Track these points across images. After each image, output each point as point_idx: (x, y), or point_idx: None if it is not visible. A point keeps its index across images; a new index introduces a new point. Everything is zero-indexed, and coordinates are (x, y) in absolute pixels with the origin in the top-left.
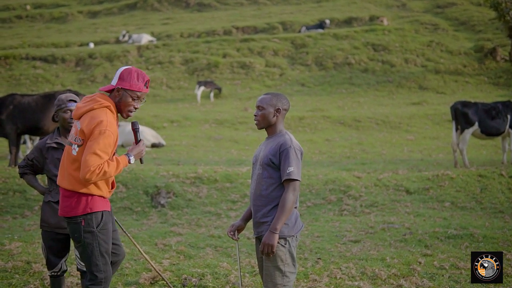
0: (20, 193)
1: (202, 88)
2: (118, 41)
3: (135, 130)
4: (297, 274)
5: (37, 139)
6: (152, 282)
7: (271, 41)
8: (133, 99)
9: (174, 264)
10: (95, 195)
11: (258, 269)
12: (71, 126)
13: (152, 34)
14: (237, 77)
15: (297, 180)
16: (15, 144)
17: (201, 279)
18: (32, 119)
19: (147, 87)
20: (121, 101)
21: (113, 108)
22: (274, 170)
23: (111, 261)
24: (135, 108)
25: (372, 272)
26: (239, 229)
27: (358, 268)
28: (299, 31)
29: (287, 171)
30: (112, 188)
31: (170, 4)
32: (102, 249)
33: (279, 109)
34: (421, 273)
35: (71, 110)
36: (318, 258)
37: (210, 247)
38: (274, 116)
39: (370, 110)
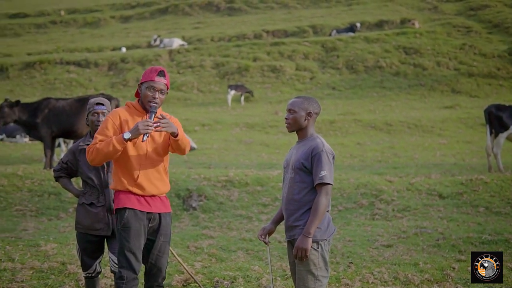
0: (55, 195)
1: (233, 92)
2: (149, 46)
3: (151, 112)
4: (329, 278)
5: (71, 143)
6: (185, 284)
7: (301, 44)
8: (150, 90)
9: (206, 267)
10: (120, 190)
11: (290, 273)
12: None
13: (183, 38)
14: (267, 81)
15: (329, 184)
16: (49, 147)
17: (232, 282)
18: (66, 123)
19: (160, 77)
20: (142, 95)
21: (131, 104)
22: (306, 174)
23: (147, 270)
24: (154, 98)
25: (405, 277)
26: (270, 232)
27: (390, 273)
28: (330, 35)
29: (320, 175)
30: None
31: (201, 8)
32: (125, 248)
33: (310, 112)
34: (455, 279)
35: (98, 113)
36: (350, 263)
37: (241, 250)
38: (305, 119)
39: (401, 113)
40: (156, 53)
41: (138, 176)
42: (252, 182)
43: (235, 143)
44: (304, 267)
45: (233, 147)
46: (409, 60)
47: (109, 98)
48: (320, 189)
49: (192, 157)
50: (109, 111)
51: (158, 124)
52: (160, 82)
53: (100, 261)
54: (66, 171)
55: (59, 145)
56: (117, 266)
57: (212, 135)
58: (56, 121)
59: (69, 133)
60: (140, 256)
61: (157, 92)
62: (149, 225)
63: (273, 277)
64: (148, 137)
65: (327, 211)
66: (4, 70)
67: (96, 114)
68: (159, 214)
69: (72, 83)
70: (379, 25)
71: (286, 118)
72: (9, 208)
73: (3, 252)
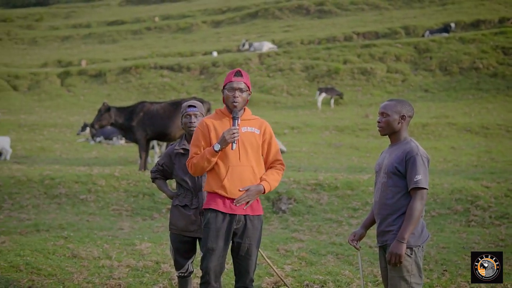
0: (149, 196)
1: (323, 94)
2: (239, 50)
3: (233, 118)
4: (422, 285)
5: (164, 145)
6: (274, 287)
7: (393, 46)
8: (230, 91)
9: (295, 270)
10: (209, 191)
11: (381, 279)
12: (192, 131)
13: (273, 41)
14: (357, 84)
15: (425, 188)
16: (144, 150)
17: (322, 286)
18: (160, 126)
19: (237, 76)
20: (225, 98)
21: (219, 110)
22: (400, 179)
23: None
24: (235, 97)
25: (503, 287)
26: (360, 237)
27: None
28: (423, 36)
29: (415, 179)
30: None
31: (290, 11)
32: (204, 246)
33: (404, 116)
34: None
35: (190, 115)
36: (444, 270)
37: (331, 254)
38: (398, 123)
39: (499, 116)
40: (246, 56)
41: (224, 179)
42: (342, 186)
43: (325, 146)
44: (397, 273)
45: (322, 151)
46: (507, 60)
47: (201, 101)
48: (415, 193)
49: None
50: (201, 113)
51: (235, 136)
52: (238, 81)
53: (193, 261)
54: (162, 173)
55: (153, 147)
56: None
57: (301, 138)
58: (151, 124)
59: (163, 136)
60: (217, 256)
61: (236, 91)
62: (235, 227)
63: (364, 283)
64: (236, 144)
65: (421, 217)
66: (102, 75)
67: (188, 116)
68: (245, 216)
69: (165, 87)
70: (475, 24)
71: (378, 122)
72: (106, 208)
73: (101, 250)
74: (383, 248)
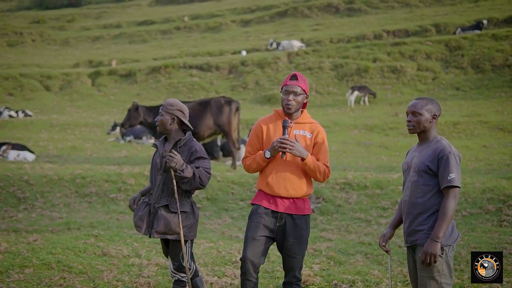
0: None
1: (356, 93)
2: (267, 49)
3: (284, 127)
4: (452, 286)
5: None
6: (303, 286)
7: (423, 44)
8: (284, 94)
9: (324, 270)
10: (258, 188)
11: (409, 279)
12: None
13: (302, 40)
14: (387, 82)
15: (458, 187)
16: None
17: (351, 285)
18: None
19: (293, 80)
20: (281, 100)
21: (277, 111)
22: (431, 177)
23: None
24: (289, 100)
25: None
26: (390, 237)
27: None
28: (454, 33)
29: (448, 178)
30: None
31: (320, 10)
32: (245, 234)
33: (435, 115)
34: None
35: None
36: None
37: (360, 254)
38: (430, 122)
39: None
40: (275, 55)
41: (269, 177)
42: (371, 185)
43: (354, 145)
44: (427, 273)
45: (351, 149)
46: None
47: (230, 100)
48: (448, 192)
49: None
50: (183, 113)
51: (285, 145)
52: (293, 85)
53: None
54: None
55: None
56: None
57: (330, 136)
58: None
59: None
60: (254, 246)
61: (290, 95)
62: (277, 224)
63: (392, 283)
64: (286, 153)
65: None
66: (132, 75)
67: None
68: (288, 215)
69: (194, 86)
70: (509, 21)
71: (409, 121)
72: None
73: (131, 248)
74: (411, 247)
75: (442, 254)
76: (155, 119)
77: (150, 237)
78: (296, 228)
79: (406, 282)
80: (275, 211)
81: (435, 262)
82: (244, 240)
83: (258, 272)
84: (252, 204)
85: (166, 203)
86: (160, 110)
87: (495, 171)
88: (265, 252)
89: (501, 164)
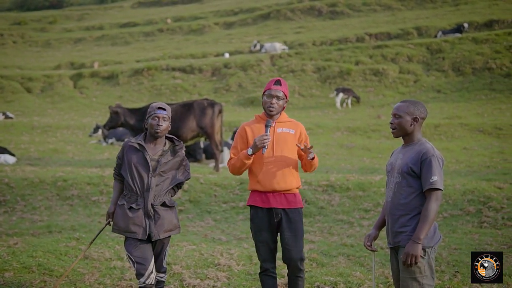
0: None
1: (341, 94)
2: (251, 51)
3: (266, 126)
4: (434, 287)
5: None
6: None
7: (405, 47)
8: (268, 97)
9: (306, 271)
10: (250, 190)
11: (392, 280)
12: (157, 133)
13: (285, 43)
14: (369, 84)
15: (440, 189)
16: None
17: (333, 287)
18: (172, 127)
19: (276, 85)
20: (263, 103)
21: (258, 116)
22: (414, 179)
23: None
24: (272, 104)
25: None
26: (374, 238)
27: (500, 284)
28: (435, 36)
29: (431, 180)
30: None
31: (302, 13)
32: (254, 240)
33: (417, 117)
34: None
35: (159, 117)
36: (456, 272)
37: (342, 255)
38: (411, 125)
39: None
40: (258, 58)
41: (259, 175)
42: (354, 187)
43: (336, 147)
44: (410, 274)
45: (334, 151)
46: None
47: (213, 103)
48: (430, 194)
49: None
50: (169, 117)
51: (265, 142)
52: (276, 89)
53: (152, 272)
54: (119, 169)
55: None
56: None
57: (313, 139)
58: None
59: None
60: (265, 247)
61: (274, 98)
62: (275, 220)
63: (375, 284)
64: (266, 149)
65: None
66: (115, 77)
67: (156, 118)
68: (282, 210)
69: (177, 89)
70: (489, 25)
71: (391, 123)
72: None
73: (112, 251)
74: (394, 249)
75: (424, 255)
76: (158, 124)
77: (153, 239)
78: (291, 222)
79: (388, 284)
80: (270, 209)
81: (416, 263)
82: (255, 243)
83: (275, 268)
84: (249, 206)
85: (163, 200)
86: (159, 115)
87: (475, 173)
88: (275, 250)
89: (481, 166)
